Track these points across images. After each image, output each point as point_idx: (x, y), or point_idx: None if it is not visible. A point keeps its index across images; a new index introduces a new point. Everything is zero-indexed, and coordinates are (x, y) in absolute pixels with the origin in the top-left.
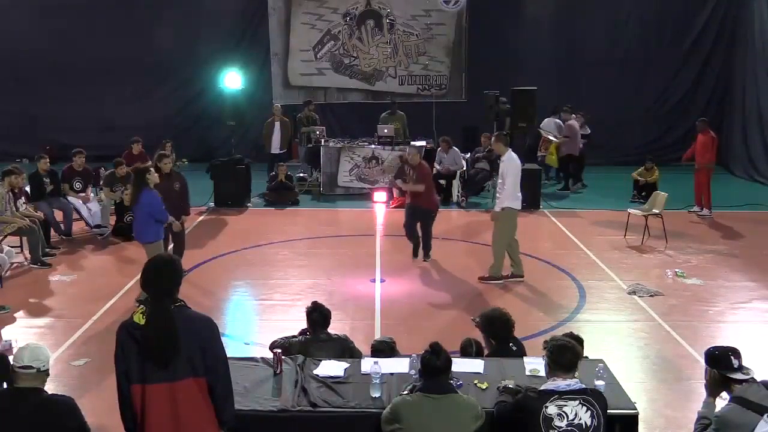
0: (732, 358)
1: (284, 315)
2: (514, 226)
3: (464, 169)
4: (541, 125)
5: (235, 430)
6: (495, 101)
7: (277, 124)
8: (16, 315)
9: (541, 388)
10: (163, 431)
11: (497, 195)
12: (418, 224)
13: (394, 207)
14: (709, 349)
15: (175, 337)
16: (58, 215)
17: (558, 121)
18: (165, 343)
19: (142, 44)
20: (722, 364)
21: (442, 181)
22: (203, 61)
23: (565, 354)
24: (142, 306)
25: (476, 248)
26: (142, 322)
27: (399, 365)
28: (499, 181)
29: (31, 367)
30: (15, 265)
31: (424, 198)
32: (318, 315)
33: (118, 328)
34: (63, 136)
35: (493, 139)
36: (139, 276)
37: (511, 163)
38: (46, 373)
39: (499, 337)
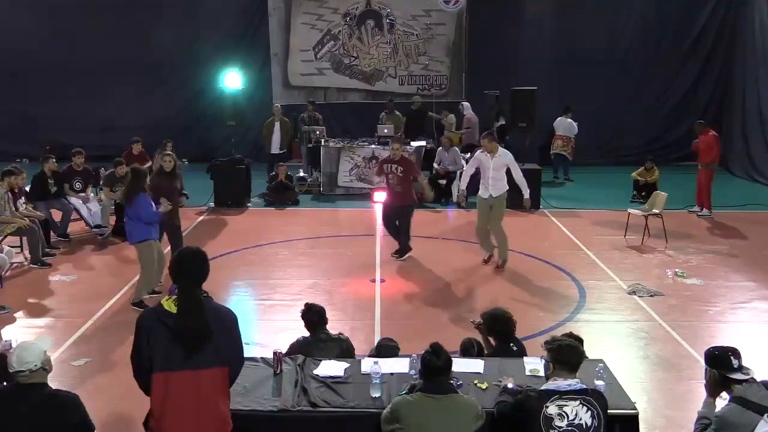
0: (732, 358)
1: (284, 315)
2: None
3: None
4: (554, 123)
5: (237, 429)
6: (495, 101)
7: (277, 124)
8: (16, 315)
9: (542, 387)
10: (185, 417)
11: (491, 185)
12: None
13: None
14: (709, 349)
15: (208, 325)
16: (57, 216)
17: (570, 120)
18: (198, 331)
19: (142, 44)
20: (722, 364)
21: (442, 181)
22: (203, 61)
23: (571, 354)
24: (172, 295)
25: (476, 248)
26: (174, 309)
27: (399, 365)
28: (493, 172)
29: (22, 371)
30: (15, 265)
31: (404, 195)
32: (314, 315)
33: (142, 314)
34: (63, 136)
35: (486, 140)
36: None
37: (509, 155)
38: (42, 369)
39: (500, 336)
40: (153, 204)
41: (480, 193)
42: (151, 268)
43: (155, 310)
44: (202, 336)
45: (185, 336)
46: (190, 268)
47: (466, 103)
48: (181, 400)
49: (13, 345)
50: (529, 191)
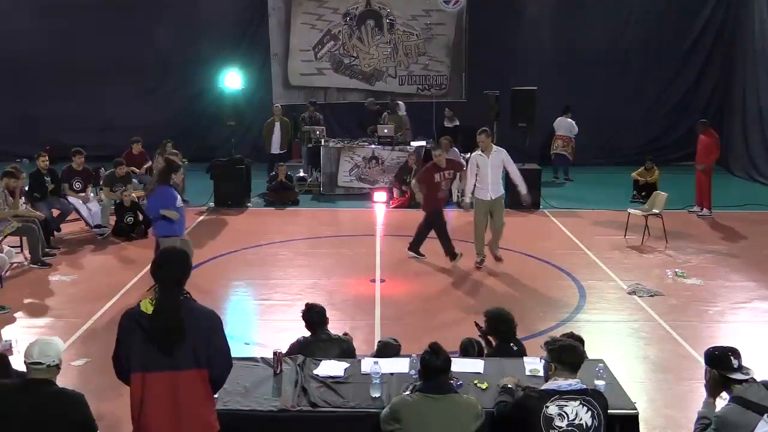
0: (732, 358)
1: (284, 315)
2: None
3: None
4: (554, 124)
5: (237, 429)
6: (495, 101)
7: (277, 125)
8: (16, 315)
9: (542, 387)
10: (163, 419)
11: (491, 186)
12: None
13: (395, 207)
14: (708, 349)
15: (182, 325)
16: (56, 214)
17: (570, 120)
18: (172, 331)
19: (142, 44)
20: (722, 365)
21: None
22: (203, 61)
23: (573, 354)
24: (149, 297)
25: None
26: (149, 310)
27: (399, 365)
28: (493, 171)
29: (40, 363)
30: (15, 265)
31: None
32: (314, 315)
33: (122, 315)
34: (63, 136)
35: (484, 135)
36: (139, 276)
37: (504, 151)
38: (57, 367)
39: (501, 335)
40: (174, 198)
41: (479, 195)
42: None
43: (133, 310)
44: (175, 336)
45: (158, 336)
46: (170, 268)
47: (401, 103)
48: (158, 401)
49: (14, 345)
50: (526, 186)
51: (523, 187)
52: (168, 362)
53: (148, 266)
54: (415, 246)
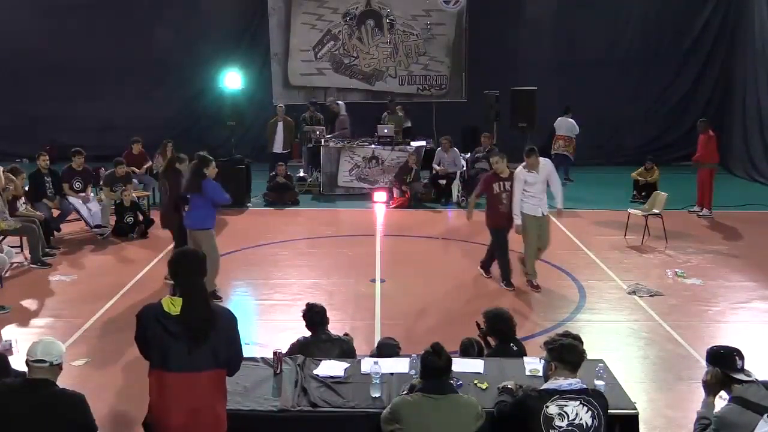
0: (737, 358)
1: (284, 315)
2: None
3: (464, 169)
4: (555, 124)
5: (237, 429)
6: (495, 101)
7: (280, 124)
8: (16, 315)
9: (543, 387)
10: (180, 417)
11: (538, 200)
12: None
13: (395, 207)
14: (713, 347)
15: (213, 315)
16: (56, 214)
17: (571, 120)
18: (204, 326)
19: (142, 44)
20: (726, 363)
21: (442, 181)
22: (203, 61)
23: (575, 353)
24: (170, 296)
25: (476, 248)
26: (173, 310)
27: (399, 365)
28: (540, 186)
29: (43, 361)
30: (15, 265)
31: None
32: (315, 315)
33: (142, 310)
34: (63, 136)
35: (533, 158)
36: (139, 276)
37: (550, 162)
38: (59, 366)
39: (500, 335)
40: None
41: (529, 211)
42: (217, 255)
43: (154, 308)
44: (207, 327)
45: (192, 333)
46: (191, 264)
47: (341, 103)
48: (176, 399)
49: (14, 345)
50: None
51: (561, 203)
52: (188, 363)
53: (149, 266)
54: (486, 265)
